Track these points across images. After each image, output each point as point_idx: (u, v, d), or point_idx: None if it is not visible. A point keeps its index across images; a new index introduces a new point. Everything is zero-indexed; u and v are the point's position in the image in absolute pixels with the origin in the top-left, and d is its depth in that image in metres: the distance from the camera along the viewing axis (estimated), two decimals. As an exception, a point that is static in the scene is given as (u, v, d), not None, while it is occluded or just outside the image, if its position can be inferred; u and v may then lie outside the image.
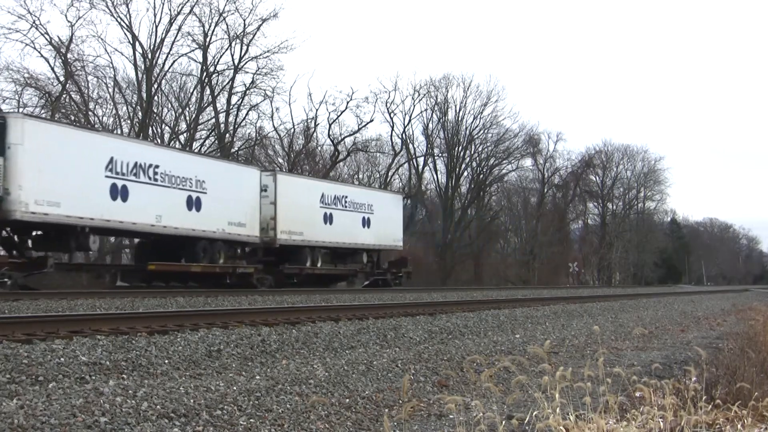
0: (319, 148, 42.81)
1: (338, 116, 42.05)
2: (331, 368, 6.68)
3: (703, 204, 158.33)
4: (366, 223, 30.66)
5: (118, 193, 20.23)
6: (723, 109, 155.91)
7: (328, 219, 28.30)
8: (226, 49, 37.54)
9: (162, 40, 35.31)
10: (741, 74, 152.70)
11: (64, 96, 31.76)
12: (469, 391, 6.14)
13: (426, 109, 53.30)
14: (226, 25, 37.44)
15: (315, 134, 41.21)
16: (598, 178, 73.95)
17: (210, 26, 36.49)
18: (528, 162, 63.22)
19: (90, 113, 32.61)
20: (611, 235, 73.15)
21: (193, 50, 37.19)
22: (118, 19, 34.26)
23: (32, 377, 5.38)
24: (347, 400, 5.67)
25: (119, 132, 33.79)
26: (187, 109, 37.44)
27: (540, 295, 25.97)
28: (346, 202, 29.50)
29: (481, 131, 55.34)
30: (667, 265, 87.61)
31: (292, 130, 40.97)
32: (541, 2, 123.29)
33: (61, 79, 31.97)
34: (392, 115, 50.98)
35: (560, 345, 9.82)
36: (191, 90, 37.56)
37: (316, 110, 45.52)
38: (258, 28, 37.25)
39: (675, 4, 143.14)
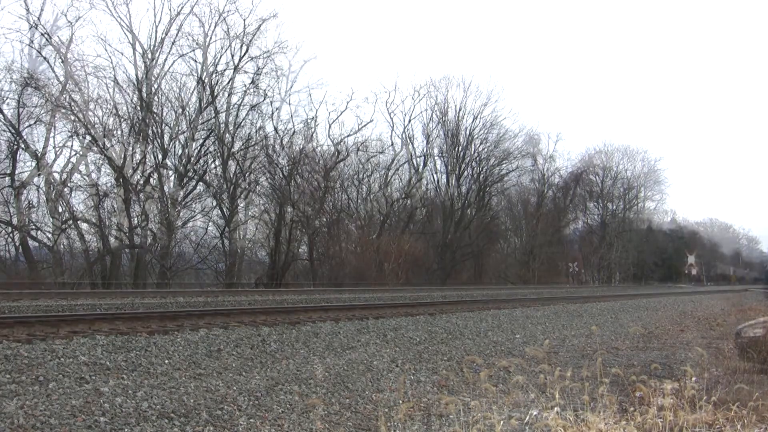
0: (319, 148, 42.67)
1: (338, 116, 41.96)
2: (331, 368, 6.68)
3: (703, 204, 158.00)
4: None
5: None
6: (722, 110, 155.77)
7: None
8: (226, 50, 37.48)
9: (162, 40, 35.17)
10: (740, 75, 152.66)
11: (64, 96, 31.66)
12: (468, 391, 6.14)
13: (426, 109, 53.36)
14: (226, 25, 37.38)
15: (315, 134, 41.09)
16: (598, 178, 74.06)
17: (210, 26, 36.41)
18: (528, 162, 63.30)
19: (90, 113, 32.52)
20: (611, 235, 73.17)
21: (193, 50, 37.10)
22: (118, 19, 34.13)
23: (32, 377, 5.37)
24: (347, 400, 5.66)
25: (119, 132, 33.76)
26: (187, 109, 37.36)
27: (540, 295, 25.94)
28: None
29: (481, 131, 55.33)
30: (667, 265, 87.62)
31: (292, 130, 40.87)
32: (541, 3, 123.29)
33: (61, 79, 31.91)
34: (392, 115, 51.11)
35: (560, 345, 9.82)
36: (191, 90, 37.49)
37: (316, 110, 45.47)
38: (258, 28, 37.16)
39: (674, 4, 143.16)
